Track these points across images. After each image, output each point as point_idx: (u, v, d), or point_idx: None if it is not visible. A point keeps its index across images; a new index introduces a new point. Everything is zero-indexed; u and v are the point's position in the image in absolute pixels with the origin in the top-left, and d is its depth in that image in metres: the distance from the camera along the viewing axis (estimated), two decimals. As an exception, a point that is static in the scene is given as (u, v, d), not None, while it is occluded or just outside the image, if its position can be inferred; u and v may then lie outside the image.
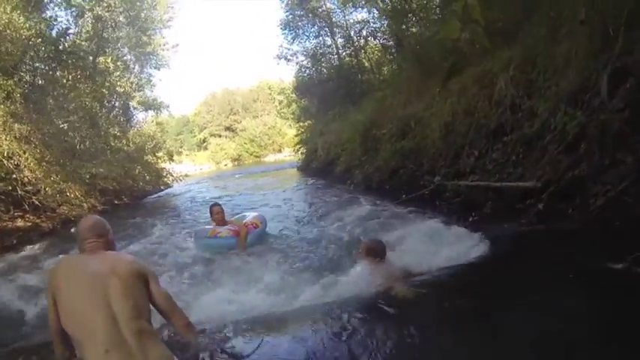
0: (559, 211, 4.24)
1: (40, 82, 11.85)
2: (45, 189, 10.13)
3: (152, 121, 23.97)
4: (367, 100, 14.54)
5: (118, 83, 17.90)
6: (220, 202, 7.53)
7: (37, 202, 10.20)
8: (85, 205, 11.19)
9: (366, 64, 21.29)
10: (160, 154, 21.44)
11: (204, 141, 66.36)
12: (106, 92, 16.64)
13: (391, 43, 17.72)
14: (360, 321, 3.07)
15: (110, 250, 2.45)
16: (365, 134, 11.27)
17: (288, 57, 24.59)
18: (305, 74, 24.63)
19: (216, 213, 6.75)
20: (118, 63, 18.06)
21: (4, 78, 10.40)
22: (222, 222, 6.69)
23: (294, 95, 28.80)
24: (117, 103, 19.55)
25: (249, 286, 4.23)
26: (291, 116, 34.11)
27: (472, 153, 6.31)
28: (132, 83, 20.15)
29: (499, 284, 3.44)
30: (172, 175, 21.83)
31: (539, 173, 4.57)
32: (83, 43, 16.12)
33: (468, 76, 7.02)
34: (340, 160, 13.42)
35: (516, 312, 2.86)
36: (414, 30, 13.27)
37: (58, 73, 13.47)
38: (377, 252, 4.14)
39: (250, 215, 7.28)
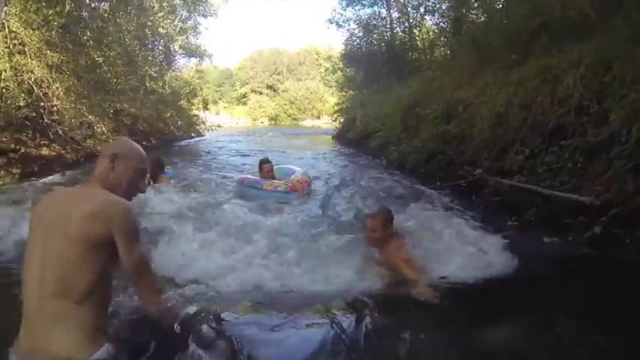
0: (614, 236, 3.75)
1: (82, 13, 11.55)
2: (70, 120, 10.02)
3: (193, 68, 23.70)
4: (414, 78, 13.92)
5: (161, 24, 17.45)
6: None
7: (61, 132, 10.12)
8: (111, 141, 10.99)
9: (419, 43, 20.33)
10: (194, 101, 21.13)
11: (244, 96, 66.51)
12: (149, 32, 16.26)
13: (448, 26, 17.06)
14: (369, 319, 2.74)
15: (114, 183, 1.87)
16: (407, 111, 10.73)
17: (340, 23, 23.90)
18: (355, 43, 23.83)
19: (267, 171, 6.84)
20: (164, 4, 17.60)
21: (47, 7, 10.11)
22: (271, 177, 6.83)
23: (340, 63, 27.99)
24: (160, 46, 19.18)
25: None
26: (335, 84, 33.65)
27: (522, 151, 5.74)
28: (175, 26, 19.67)
29: (527, 310, 2.96)
30: (204, 124, 21.72)
31: (599, 189, 4.05)
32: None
33: (529, 67, 6.45)
34: (377, 134, 12.90)
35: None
36: (474, 16, 12.69)
37: (102, 6, 13.22)
38: (391, 220, 3.61)
39: (298, 171, 7.48)
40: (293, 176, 7.08)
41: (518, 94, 6.29)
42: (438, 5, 18.90)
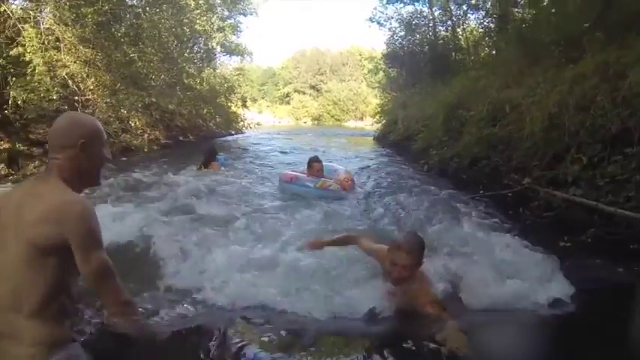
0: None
1: (117, 11, 11.60)
2: (103, 114, 10.20)
3: (233, 66, 23.94)
4: (458, 78, 13.25)
5: (197, 21, 17.44)
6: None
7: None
8: (146, 136, 11.55)
9: (463, 43, 19.45)
10: (232, 98, 21.19)
11: (287, 95, 67.28)
12: (187, 30, 16.35)
13: (492, 22, 16.47)
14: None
15: (85, 172, 1.63)
16: (450, 112, 10.14)
17: (381, 22, 23.12)
18: (397, 43, 23.02)
19: (317, 169, 6.85)
20: (200, 2, 17.71)
21: (85, 5, 10.35)
22: (320, 176, 6.82)
23: (382, 64, 27.29)
24: (201, 44, 19.26)
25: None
26: (378, 85, 33.41)
27: (579, 159, 5.07)
28: (212, 24, 19.66)
29: (578, 355, 2.41)
30: (243, 121, 21.86)
31: (674, 208, 3.37)
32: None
33: (585, 64, 5.79)
34: (419, 136, 12.26)
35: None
36: (520, 12, 12.39)
37: (138, 3, 13.39)
38: (423, 251, 2.90)
39: (340, 169, 7.58)
40: (336, 174, 7.10)
41: (574, 94, 5.60)
42: (481, 2, 18.06)
